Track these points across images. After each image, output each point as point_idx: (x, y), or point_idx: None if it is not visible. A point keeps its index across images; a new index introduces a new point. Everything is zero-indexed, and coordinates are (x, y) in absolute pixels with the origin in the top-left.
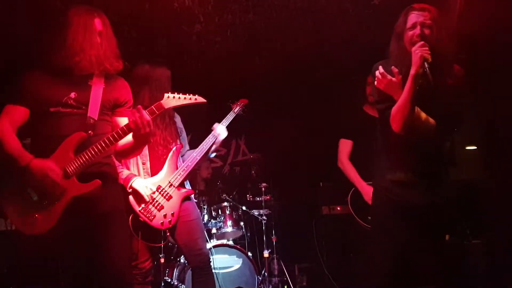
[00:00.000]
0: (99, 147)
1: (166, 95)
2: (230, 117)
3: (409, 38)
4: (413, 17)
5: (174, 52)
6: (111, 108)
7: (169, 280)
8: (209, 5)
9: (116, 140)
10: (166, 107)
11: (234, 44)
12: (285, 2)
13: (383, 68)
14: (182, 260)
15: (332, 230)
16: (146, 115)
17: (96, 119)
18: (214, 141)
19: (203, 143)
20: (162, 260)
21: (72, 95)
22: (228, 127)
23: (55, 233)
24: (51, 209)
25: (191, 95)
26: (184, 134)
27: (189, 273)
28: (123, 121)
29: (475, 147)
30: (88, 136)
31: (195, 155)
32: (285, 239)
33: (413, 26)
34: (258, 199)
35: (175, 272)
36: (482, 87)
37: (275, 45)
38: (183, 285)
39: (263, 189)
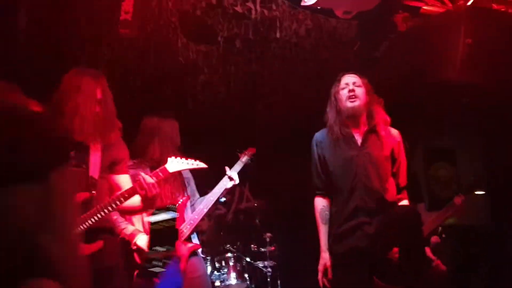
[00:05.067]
0: (105, 211)
1: (169, 159)
2: (238, 167)
3: (344, 94)
4: (345, 79)
5: (179, 101)
6: (109, 166)
7: None
8: (213, 58)
9: (120, 204)
10: (170, 171)
11: (238, 92)
12: (287, 53)
13: (322, 138)
14: None
15: None
16: (149, 179)
17: (96, 178)
18: (223, 191)
19: (209, 194)
20: None
21: (71, 153)
22: None
23: None
24: None
25: (193, 160)
26: (192, 182)
27: None
28: (121, 178)
29: (483, 192)
30: (91, 196)
31: (202, 207)
32: None
33: (346, 85)
34: (262, 249)
35: None
36: (492, 131)
37: (278, 93)
38: None
39: (267, 239)
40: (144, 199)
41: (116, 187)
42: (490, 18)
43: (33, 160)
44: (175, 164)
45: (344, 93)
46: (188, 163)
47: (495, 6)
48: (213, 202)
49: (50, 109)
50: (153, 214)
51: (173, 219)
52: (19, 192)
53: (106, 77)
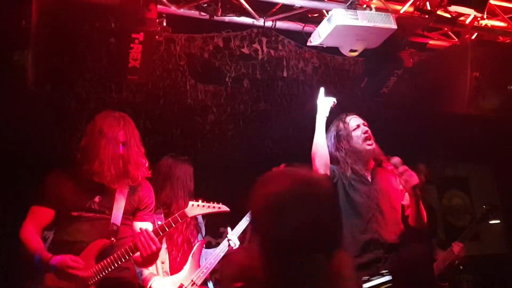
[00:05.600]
0: (122, 260)
1: (190, 203)
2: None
3: (359, 136)
4: (354, 121)
5: (188, 140)
6: (133, 212)
7: None
8: (221, 97)
9: (130, 255)
10: (189, 215)
11: (247, 130)
12: (294, 91)
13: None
14: None
15: None
16: (151, 235)
17: (119, 225)
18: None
19: (217, 249)
20: None
21: (96, 199)
22: None
23: None
24: None
25: (215, 203)
26: (203, 229)
27: None
28: (143, 225)
29: (498, 221)
30: (111, 243)
31: (219, 251)
32: None
33: (358, 127)
34: None
35: None
36: (506, 162)
37: (287, 129)
38: None
39: None
40: (141, 255)
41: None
42: (496, 50)
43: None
44: (195, 208)
45: (357, 135)
46: (209, 207)
47: (500, 38)
48: (221, 256)
49: (79, 154)
50: (369, 280)
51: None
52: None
53: None
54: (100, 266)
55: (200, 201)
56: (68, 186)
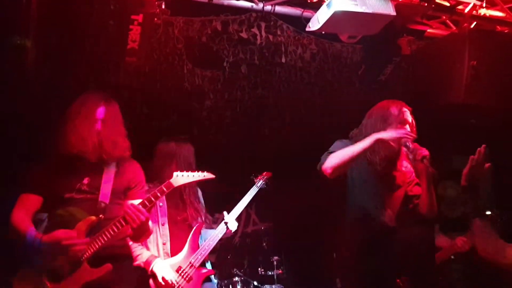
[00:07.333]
0: (111, 233)
1: (175, 173)
2: (253, 192)
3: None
4: (406, 115)
5: (184, 126)
6: (124, 191)
7: None
8: (219, 83)
9: (119, 228)
10: (175, 185)
11: (244, 116)
12: (292, 77)
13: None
14: None
15: None
16: (138, 206)
17: (107, 202)
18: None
19: (216, 230)
20: None
21: (85, 180)
22: None
23: None
24: None
25: (199, 172)
26: (203, 211)
27: None
28: (134, 203)
29: (489, 213)
30: (98, 219)
31: (217, 232)
32: None
33: (404, 123)
34: (270, 273)
35: None
36: (497, 153)
37: (284, 116)
38: None
39: (274, 262)
40: (131, 227)
41: None
42: (493, 40)
43: None
44: (180, 178)
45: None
46: (194, 176)
47: (498, 28)
48: (219, 238)
49: (59, 135)
50: None
51: None
52: None
53: None
54: (91, 240)
55: (184, 171)
56: (55, 170)
